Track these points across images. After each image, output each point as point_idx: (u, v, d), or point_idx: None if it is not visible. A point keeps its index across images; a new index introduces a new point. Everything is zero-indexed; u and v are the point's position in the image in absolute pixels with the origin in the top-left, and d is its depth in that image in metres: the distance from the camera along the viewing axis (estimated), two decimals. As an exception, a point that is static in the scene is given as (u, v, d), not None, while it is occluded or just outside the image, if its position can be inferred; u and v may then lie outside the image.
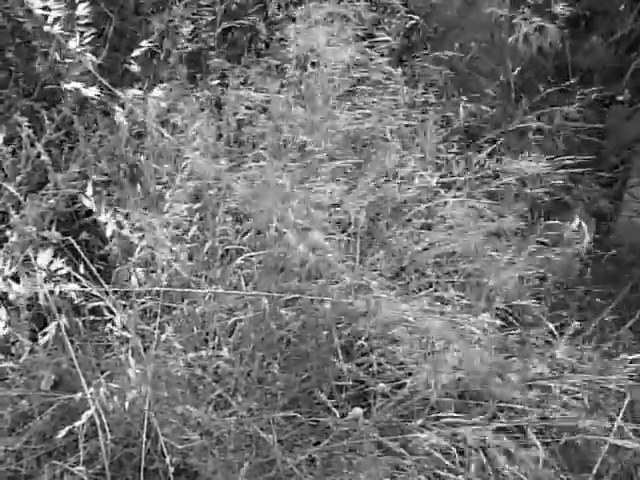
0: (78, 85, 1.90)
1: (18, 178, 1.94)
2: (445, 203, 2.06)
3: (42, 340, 1.63)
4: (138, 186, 1.95)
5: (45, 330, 1.64)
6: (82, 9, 1.91)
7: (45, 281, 1.61)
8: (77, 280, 1.65)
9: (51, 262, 1.63)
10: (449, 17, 3.01)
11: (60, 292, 1.64)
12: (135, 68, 2.11)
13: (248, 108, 2.09)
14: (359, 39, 2.18)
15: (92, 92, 1.90)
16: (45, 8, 1.87)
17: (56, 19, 1.87)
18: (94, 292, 1.68)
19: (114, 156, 2.05)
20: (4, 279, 1.62)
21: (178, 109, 2.07)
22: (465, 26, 3.02)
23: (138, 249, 1.77)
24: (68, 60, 1.95)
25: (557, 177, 2.22)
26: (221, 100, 2.21)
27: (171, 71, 2.39)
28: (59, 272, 1.63)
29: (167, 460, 1.59)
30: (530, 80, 3.10)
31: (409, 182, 2.09)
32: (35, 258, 1.65)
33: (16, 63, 2.31)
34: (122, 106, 1.98)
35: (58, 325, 1.60)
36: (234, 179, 1.84)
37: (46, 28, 1.88)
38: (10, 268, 1.63)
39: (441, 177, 2.17)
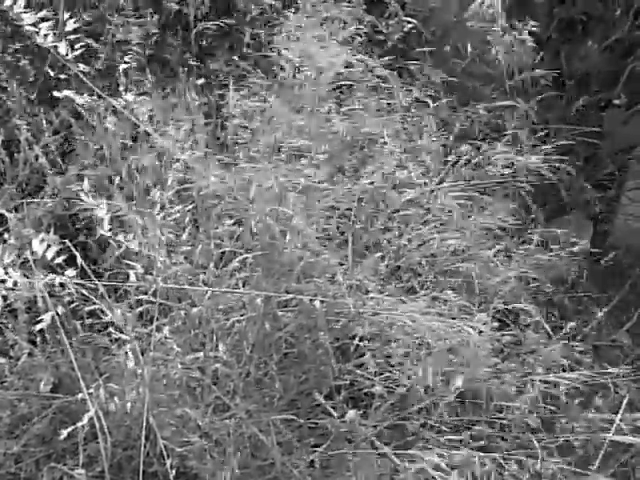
0: (69, 93, 1.94)
1: (16, 181, 1.95)
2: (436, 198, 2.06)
3: (37, 327, 1.62)
4: (129, 188, 1.95)
5: (40, 318, 1.63)
6: (71, 24, 1.97)
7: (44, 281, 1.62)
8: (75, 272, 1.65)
9: (47, 249, 1.63)
10: (447, 21, 3.02)
11: (58, 295, 1.65)
12: (127, 76, 2.12)
13: (240, 111, 2.09)
14: (356, 42, 2.18)
15: (83, 100, 1.93)
16: (34, 25, 1.92)
17: (46, 35, 1.91)
18: (91, 292, 1.69)
19: (107, 159, 2.05)
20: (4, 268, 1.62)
21: (170, 113, 2.07)
22: (462, 30, 3.03)
23: (133, 247, 1.78)
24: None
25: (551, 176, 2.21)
26: (212, 103, 2.21)
27: (166, 75, 2.39)
28: (55, 261, 1.63)
29: (166, 463, 1.59)
30: (526, 84, 3.11)
31: (407, 185, 2.10)
32: (35, 261, 1.65)
33: (15, 67, 2.32)
34: (114, 112, 1.99)
35: (53, 318, 1.60)
36: (225, 181, 1.83)
37: (38, 41, 1.92)
38: (9, 255, 1.64)
39: (439, 183, 2.17)
